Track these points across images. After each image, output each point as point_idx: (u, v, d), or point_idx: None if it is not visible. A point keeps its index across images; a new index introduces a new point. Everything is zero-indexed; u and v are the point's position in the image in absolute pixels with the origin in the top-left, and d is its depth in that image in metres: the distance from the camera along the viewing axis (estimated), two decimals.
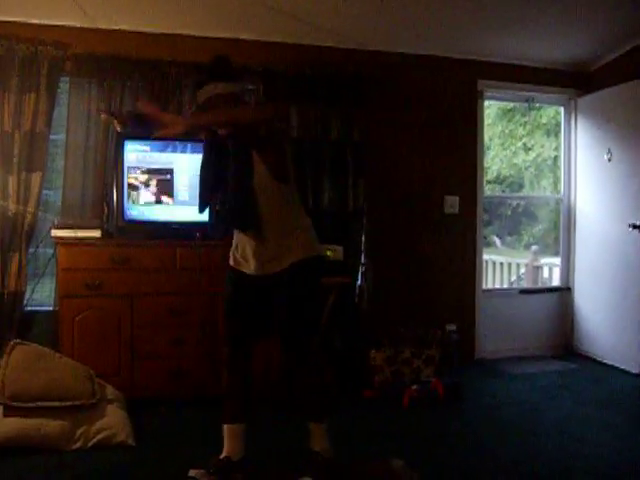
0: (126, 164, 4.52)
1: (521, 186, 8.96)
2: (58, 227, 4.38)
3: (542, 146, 8.43)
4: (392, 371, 4.86)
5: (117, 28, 4.79)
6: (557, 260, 6.65)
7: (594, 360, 5.85)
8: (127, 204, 4.53)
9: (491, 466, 3.51)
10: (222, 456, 3.15)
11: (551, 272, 7.45)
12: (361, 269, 5.26)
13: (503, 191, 8.51)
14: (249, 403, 3.24)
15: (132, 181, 4.55)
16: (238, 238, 3.18)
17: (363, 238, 5.31)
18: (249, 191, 3.03)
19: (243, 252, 3.14)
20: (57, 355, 4.00)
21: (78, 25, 4.68)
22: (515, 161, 8.94)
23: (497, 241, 9.47)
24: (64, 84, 4.77)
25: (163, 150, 4.62)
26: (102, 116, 3.27)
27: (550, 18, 5.05)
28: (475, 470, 3.44)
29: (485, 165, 6.31)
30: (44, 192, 4.72)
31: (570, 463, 3.54)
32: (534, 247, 8.35)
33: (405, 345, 4.98)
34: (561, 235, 6.42)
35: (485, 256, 6.50)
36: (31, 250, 4.66)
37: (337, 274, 4.76)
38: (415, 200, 5.68)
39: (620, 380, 5.30)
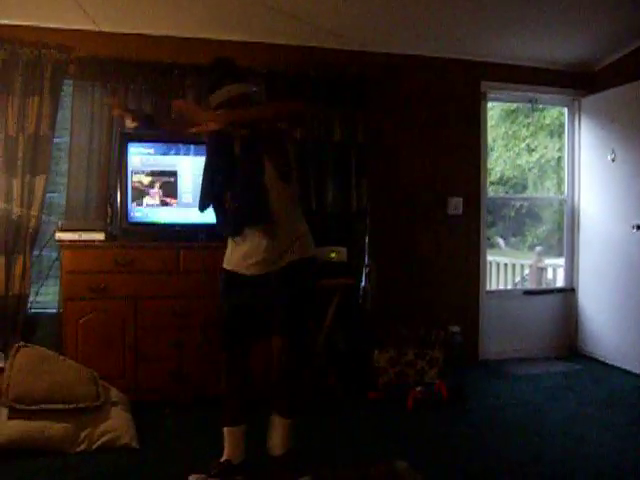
0: (130, 166, 4.54)
1: (525, 187, 8.95)
2: (62, 230, 4.39)
3: (546, 147, 8.42)
4: (396, 372, 4.86)
5: (120, 31, 4.80)
6: (561, 261, 6.64)
7: (598, 361, 5.84)
8: (131, 206, 4.54)
9: (495, 467, 3.50)
10: (223, 459, 3.15)
11: (555, 273, 7.43)
12: (365, 270, 5.25)
13: (507, 192, 8.51)
14: (249, 405, 3.24)
15: (136, 183, 4.55)
16: (237, 240, 3.16)
17: (367, 239, 5.31)
18: (262, 187, 3.06)
19: (244, 253, 3.12)
20: (61, 358, 4.01)
21: (81, 28, 4.69)
22: (519, 162, 8.93)
23: (501, 242, 9.46)
24: (67, 87, 4.78)
25: (167, 153, 4.63)
26: (115, 111, 3.25)
27: (553, 18, 5.05)
28: (479, 472, 3.43)
29: (488, 166, 6.31)
30: (48, 195, 4.73)
31: (574, 464, 3.53)
32: (538, 248, 8.34)
33: (409, 346, 4.98)
34: (565, 236, 6.41)
35: (489, 257, 6.50)
36: (35, 253, 4.67)
37: (341, 275, 4.76)
38: (418, 201, 5.68)
39: (624, 381, 5.29)
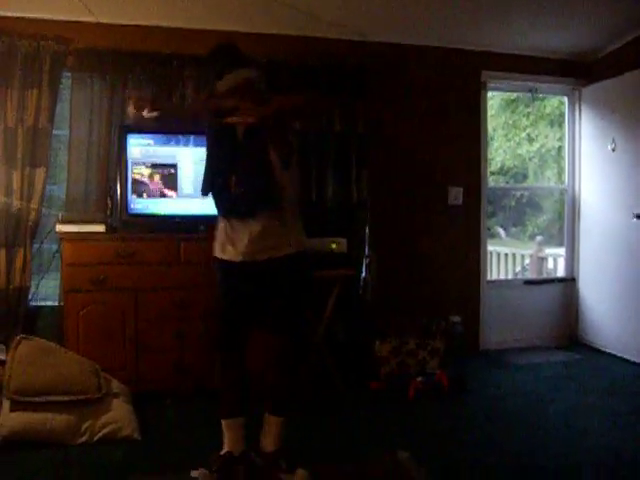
0: (130, 158, 4.53)
1: (525, 177, 8.93)
2: (62, 222, 4.39)
3: (546, 136, 8.39)
4: (397, 362, 4.86)
5: (118, 22, 4.79)
6: (561, 251, 6.64)
7: (599, 350, 5.85)
8: (131, 198, 4.54)
9: (496, 457, 3.51)
10: (223, 452, 3.15)
11: (556, 263, 7.43)
12: (365, 261, 5.26)
13: (507, 182, 8.49)
14: (246, 396, 3.23)
15: (136, 175, 4.55)
16: (235, 225, 3.13)
17: (367, 230, 5.31)
18: (271, 173, 3.07)
19: (241, 238, 3.09)
20: (62, 350, 4.02)
21: (80, 20, 4.68)
22: (519, 152, 8.91)
23: (501, 232, 9.45)
24: (66, 79, 4.77)
25: (166, 144, 4.62)
26: (130, 110, 3.21)
27: (553, 7, 5.03)
28: (480, 462, 3.44)
29: (489, 156, 6.29)
30: (48, 187, 4.73)
31: (574, 454, 3.55)
32: (538, 238, 8.33)
33: (410, 336, 4.98)
34: (565, 225, 6.40)
35: (489, 247, 6.50)
36: (36, 245, 4.67)
37: (341, 266, 4.76)
38: (419, 191, 5.67)
39: (625, 370, 5.30)
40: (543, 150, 8.40)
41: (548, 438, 3.80)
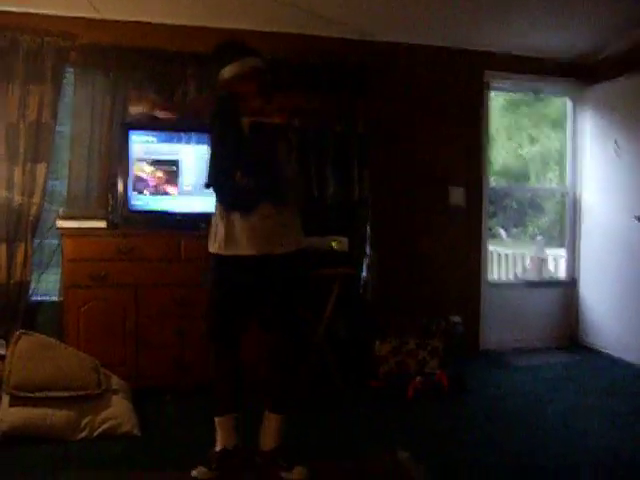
0: (131, 155, 4.53)
1: (527, 178, 8.92)
2: (63, 218, 4.39)
3: (548, 138, 8.38)
4: (397, 362, 4.86)
5: (122, 19, 4.79)
6: (562, 252, 6.63)
7: (599, 352, 5.85)
8: (132, 195, 4.54)
9: (495, 457, 3.51)
10: (218, 449, 3.16)
11: (556, 264, 7.42)
12: (366, 260, 5.26)
13: (508, 183, 8.48)
14: (240, 390, 3.24)
15: (137, 172, 4.55)
16: (235, 221, 3.09)
17: (368, 229, 5.31)
18: (279, 168, 3.11)
19: (241, 232, 3.08)
20: (62, 345, 4.02)
21: (83, 16, 4.68)
22: (521, 153, 8.90)
23: (502, 233, 9.43)
24: (69, 75, 4.77)
25: (168, 141, 4.62)
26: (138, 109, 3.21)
27: (556, 8, 5.02)
28: (479, 461, 3.44)
29: (491, 157, 6.29)
30: (49, 183, 4.73)
31: (573, 454, 3.55)
32: (539, 239, 8.31)
33: (410, 336, 4.98)
34: (567, 227, 6.40)
35: (490, 248, 6.49)
36: (36, 241, 4.68)
37: (342, 265, 4.76)
38: (420, 191, 5.67)
39: (625, 371, 5.30)
40: (545, 151, 8.39)
41: (547, 438, 3.80)
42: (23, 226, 4.57)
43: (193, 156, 4.61)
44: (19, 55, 4.54)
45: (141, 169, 4.55)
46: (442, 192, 5.76)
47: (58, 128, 4.76)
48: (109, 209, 4.63)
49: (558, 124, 7.36)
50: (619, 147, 5.62)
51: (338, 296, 4.77)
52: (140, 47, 4.79)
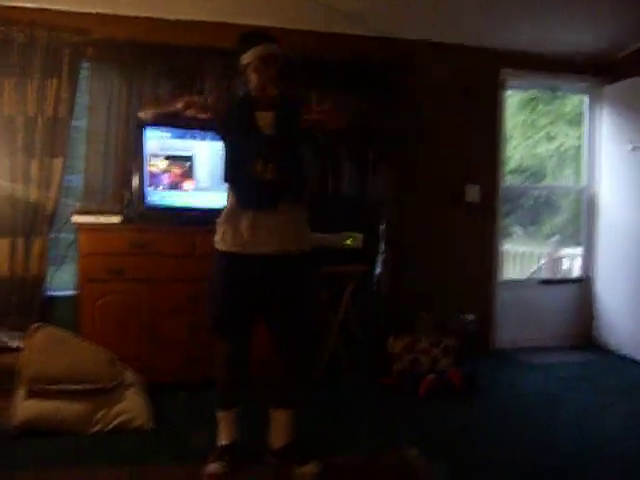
0: (147, 150, 4.54)
1: (543, 176, 8.87)
2: (79, 212, 4.42)
3: (565, 135, 8.33)
4: (410, 360, 4.85)
5: (137, 14, 4.80)
6: (578, 251, 6.60)
7: (613, 351, 5.81)
8: (147, 190, 4.56)
9: (506, 456, 3.50)
10: (224, 443, 3.17)
11: (572, 263, 7.39)
12: (380, 257, 5.26)
13: (524, 181, 8.44)
14: (244, 384, 3.26)
15: (152, 167, 4.57)
16: (250, 219, 3.06)
17: (383, 226, 5.30)
18: (302, 166, 3.13)
19: (252, 232, 3.06)
20: (78, 339, 4.05)
21: (99, 11, 4.70)
22: (537, 151, 8.85)
23: (518, 231, 9.40)
24: (85, 70, 4.79)
25: (183, 137, 4.63)
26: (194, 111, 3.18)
27: (574, 5, 4.99)
28: (490, 460, 3.44)
29: (507, 155, 6.27)
30: (66, 177, 4.76)
31: (587, 454, 3.54)
32: (555, 237, 8.28)
33: (423, 334, 4.97)
34: (583, 226, 6.36)
35: (505, 246, 6.47)
36: (52, 235, 4.71)
37: (357, 262, 4.77)
38: (435, 188, 5.65)
39: (639, 371, 5.26)
40: (562, 149, 8.34)
41: (559, 437, 3.79)
42: (39, 220, 4.61)
43: (208, 152, 4.62)
44: (36, 50, 4.56)
45: (156, 165, 4.57)
46: (458, 190, 5.74)
47: (74, 123, 4.79)
48: (124, 204, 4.65)
49: (575, 122, 7.32)
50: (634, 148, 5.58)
51: (353, 293, 4.78)
52: (156, 42, 4.80)
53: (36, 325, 3.95)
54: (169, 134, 4.59)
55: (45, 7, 4.60)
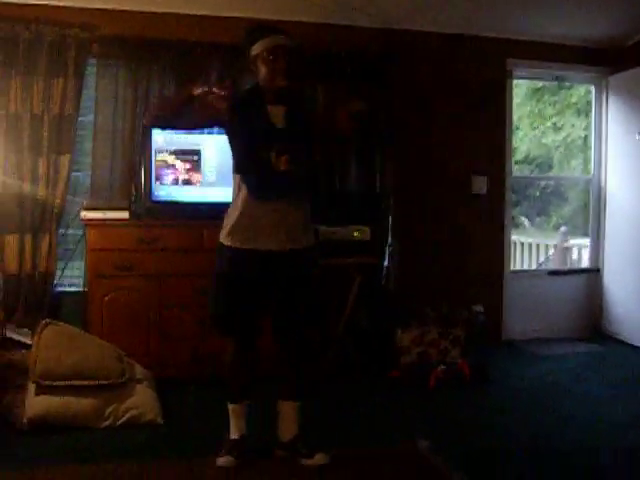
0: (154, 145, 4.55)
1: (550, 166, 8.85)
2: (87, 208, 4.43)
3: (572, 126, 8.31)
4: (419, 352, 4.84)
5: (143, 10, 4.80)
6: (586, 241, 6.58)
7: (622, 342, 5.79)
8: (155, 185, 4.56)
9: (516, 447, 3.50)
10: (236, 436, 3.18)
11: (580, 253, 7.37)
12: (388, 249, 5.25)
13: (532, 171, 8.42)
14: (253, 378, 3.26)
15: (159, 162, 4.57)
16: (259, 212, 3.03)
17: (390, 218, 5.30)
18: (314, 159, 3.14)
19: (262, 226, 3.03)
20: (87, 335, 4.06)
21: (105, 7, 4.70)
22: (544, 141, 8.83)
23: (526, 222, 9.38)
24: (92, 66, 4.80)
25: (190, 131, 4.62)
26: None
27: None
28: (500, 452, 3.43)
29: (514, 145, 6.25)
30: (73, 174, 4.78)
31: (595, 445, 3.52)
32: (563, 228, 8.26)
33: (432, 325, 4.96)
34: (591, 216, 6.34)
35: (513, 237, 6.46)
36: (60, 231, 4.72)
37: (364, 254, 4.76)
38: (442, 180, 5.64)
39: None
40: (569, 139, 8.32)
41: (568, 428, 3.78)
42: (47, 217, 4.62)
43: (215, 146, 4.62)
44: (42, 47, 4.57)
45: (163, 160, 4.57)
46: (465, 181, 5.73)
47: (81, 119, 4.79)
48: (132, 199, 4.66)
49: (582, 112, 7.29)
50: None
51: (360, 285, 4.78)
52: (162, 38, 4.80)
53: (45, 321, 3.96)
54: None
55: (51, 3, 4.61)
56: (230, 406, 3.22)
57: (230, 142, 3.14)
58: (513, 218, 6.79)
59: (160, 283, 4.41)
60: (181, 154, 4.60)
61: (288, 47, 3.06)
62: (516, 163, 6.64)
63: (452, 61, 5.62)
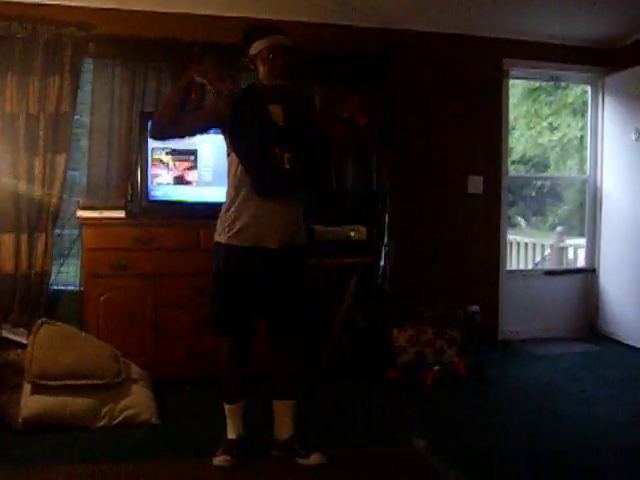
0: (150, 145, 4.54)
1: (546, 166, 8.87)
2: (83, 208, 4.43)
3: (568, 126, 8.33)
4: (415, 352, 4.85)
5: (140, 9, 4.80)
6: (582, 241, 6.59)
7: (618, 342, 5.80)
8: (151, 185, 4.55)
9: (512, 447, 3.50)
10: (234, 436, 3.19)
11: (576, 253, 7.38)
12: (384, 249, 5.25)
13: (528, 171, 8.44)
14: (248, 379, 3.26)
15: (156, 162, 4.56)
16: (258, 210, 3.03)
17: (386, 218, 5.30)
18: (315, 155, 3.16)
19: (261, 224, 3.04)
20: (83, 334, 4.05)
21: (101, 6, 4.69)
22: (540, 141, 8.84)
23: (522, 222, 9.40)
24: (88, 65, 4.79)
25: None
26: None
27: None
28: (496, 451, 3.44)
29: (510, 145, 6.25)
30: (69, 173, 4.77)
31: (592, 444, 3.53)
32: (559, 228, 8.28)
33: (428, 325, 4.97)
34: (587, 216, 6.34)
35: (510, 237, 6.46)
36: (56, 231, 4.71)
37: (360, 254, 4.76)
38: (439, 180, 5.65)
39: None
40: (565, 139, 8.34)
41: (563, 427, 3.79)
42: (44, 217, 4.61)
43: (211, 146, 4.61)
44: (38, 46, 4.55)
45: (159, 159, 4.57)
46: (461, 181, 5.73)
47: (77, 119, 4.78)
48: (128, 199, 4.65)
49: (578, 112, 7.30)
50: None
51: (356, 285, 4.78)
52: (158, 37, 4.79)
53: (41, 321, 3.94)
54: None
55: (47, 2, 4.60)
56: (226, 406, 3.23)
57: (230, 141, 3.14)
58: (509, 218, 6.81)
59: (156, 283, 4.40)
60: (177, 154, 4.59)
61: (287, 46, 3.07)
62: (512, 163, 6.65)
63: (449, 61, 5.62)
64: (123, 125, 4.80)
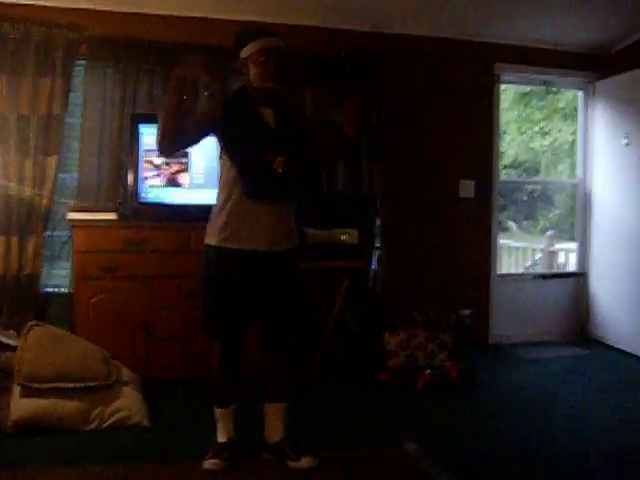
0: (142, 147, 4.53)
1: (537, 171, 8.90)
2: (74, 210, 4.42)
3: (559, 130, 8.36)
4: (406, 355, 4.85)
5: (132, 10, 4.79)
6: (573, 245, 6.62)
7: (609, 346, 5.81)
8: (142, 187, 4.54)
9: (504, 450, 3.51)
10: (224, 440, 3.18)
11: (567, 257, 7.40)
12: (375, 253, 5.25)
13: (519, 176, 8.46)
14: (238, 382, 3.26)
15: (147, 164, 4.55)
16: (249, 213, 3.04)
17: (378, 222, 5.30)
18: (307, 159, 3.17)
19: (252, 227, 3.04)
20: (73, 337, 4.04)
21: (93, 8, 4.68)
22: (532, 145, 8.87)
23: (513, 226, 9.43)
24: (80, 67, 4.77)
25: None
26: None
27: (568, 0, 4.99)
28: (488, 454, 3.44)
29: (501, 149, 6.27)
30: (60, 175, 4.74)
31: (582, 448, 3.54)
32: (550, 232, 8.31)
33: (419, 329, 4.97)
34: (577, 220, 6.37)
35: (501, 241, 6.48)
36: (47, 233, 4.69)
37: (351, 258, 4.76)
38: (430, 184, 5.65)
39: (635, 366, 5.28)
40: (556, 144, 8.37)
41: (554, 431, 3.80)
42: (34, 218, 4.59)
43: (202, 149, 4.57)
44: (30, 47, 4.53)
45: (151, 161, 4.55)
46: (452, 185, 5.73)
47: (68, 120, 4.77)
48: (119, 201, 4.64)
49: (569, 117, 7.34)
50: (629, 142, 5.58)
51: (348, 288, 4.77)
52: (150, 39, 4.78)
53: (31, 323, 3.93)
54: None
55: (39, 3, 4.58)
56: (217, 410, 3.22)
57: (223, 143, 3.13)
58: (500, 222, 6.83)
59: (147, 285, 4.39)
60: None
61: (279, 49, 3.07)
62: (503, 167, 6.68)
63: (442, 65, 5.63)
64: (115, 127, 4.78)
